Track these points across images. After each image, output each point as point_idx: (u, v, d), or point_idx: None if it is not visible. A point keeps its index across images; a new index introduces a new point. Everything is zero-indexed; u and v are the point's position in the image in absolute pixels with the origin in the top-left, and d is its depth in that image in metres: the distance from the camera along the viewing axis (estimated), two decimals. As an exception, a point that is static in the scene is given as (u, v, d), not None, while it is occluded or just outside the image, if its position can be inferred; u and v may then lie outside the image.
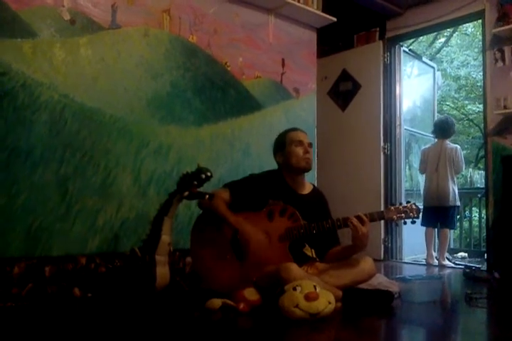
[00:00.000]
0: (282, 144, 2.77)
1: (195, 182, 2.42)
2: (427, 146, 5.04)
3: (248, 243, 2.53)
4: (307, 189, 2.83)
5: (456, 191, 4.72)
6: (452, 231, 5.36)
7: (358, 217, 2.44)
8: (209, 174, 2.43)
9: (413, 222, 2.56)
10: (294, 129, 2.84)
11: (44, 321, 2.19)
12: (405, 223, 2.59)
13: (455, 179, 4.76)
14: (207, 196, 2.49)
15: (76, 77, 2.83)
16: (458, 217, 5.25)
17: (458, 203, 4.77)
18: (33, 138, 2.63)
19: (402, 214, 2.51)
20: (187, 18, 3.37)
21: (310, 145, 2.77)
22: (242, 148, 3.62)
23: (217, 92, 3.51)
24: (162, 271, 2.42)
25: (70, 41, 2.83)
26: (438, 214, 4.66)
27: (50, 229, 2.64)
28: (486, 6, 4.28)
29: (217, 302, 2.28)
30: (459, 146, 4.87)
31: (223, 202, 2.61)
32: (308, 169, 2.76)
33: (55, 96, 2.73)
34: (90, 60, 2.90)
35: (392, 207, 2.54)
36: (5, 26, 2.60)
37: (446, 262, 4.63)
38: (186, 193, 2.45)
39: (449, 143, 4.80)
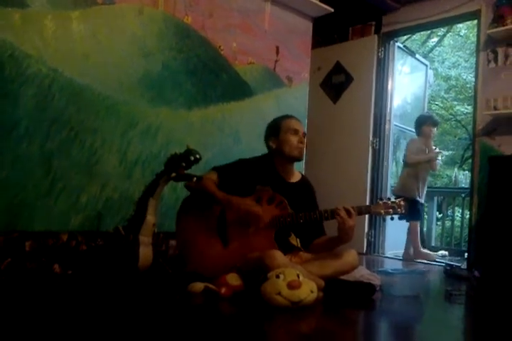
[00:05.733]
0: (276, 130, 2.73)
1: (184, 164, 2.39)
2: None
3: (239, 208, 2.47)
4: (296, 177, 2.81)
5: (416, 185, 4.56)
6: (434, 229, 5.35)
7: (346, 210, 2.43)
8: (198, 156, 2.41)
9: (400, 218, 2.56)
10: (291, 116, 2.80)
11: (20, 297, 2.14)
12: (392, 218, 2.59)
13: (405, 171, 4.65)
14: (194, 178, 2.45)
15: (66, 51, 2.76)
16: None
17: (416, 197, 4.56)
18: (19, 111, 2.56)
19: (390, 210, 2.50)
20: (182, -2, 3.30)
21: (304, 134, 2.74)
22: (232, 133, 3.58)
23: (209, 76, 3.46)
24: (145, 252, 2.40)
25: (62, 14, 2.76)
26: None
27: (33, 204, 2.59)
28: (482, 7, 4.26)
29: (199, 286, 2.26)
30: (414, 137, 4.82)
31: (212, 182, 2.58)
32: (299, 159, 2.74)
33: (44, 70, 2.66)
34: (82, 35, 2.83)
35: (381, 202, 2.53)
36: (-6, -6, 2.51)
37: (426, 250, 4.64)
38: (174, 174, 2.42)
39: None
